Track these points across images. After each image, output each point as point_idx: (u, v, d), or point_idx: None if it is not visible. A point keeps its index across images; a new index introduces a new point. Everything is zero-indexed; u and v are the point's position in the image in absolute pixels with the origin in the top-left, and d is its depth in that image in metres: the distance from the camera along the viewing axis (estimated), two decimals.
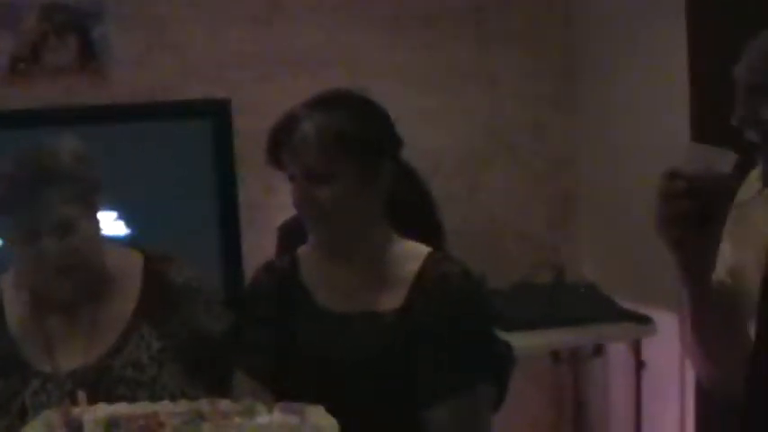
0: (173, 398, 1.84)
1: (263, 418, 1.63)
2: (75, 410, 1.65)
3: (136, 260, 2.03)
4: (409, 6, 4.05)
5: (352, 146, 1.78)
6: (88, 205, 1.92)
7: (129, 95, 3.77)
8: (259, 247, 3.60)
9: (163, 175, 3.60)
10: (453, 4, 4.09)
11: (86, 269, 1.92)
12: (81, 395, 1.69)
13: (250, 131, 3.65)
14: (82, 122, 3.46)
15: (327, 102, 1.83)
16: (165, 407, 1.69)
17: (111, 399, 1.80)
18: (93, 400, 1.77)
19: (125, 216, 3.28)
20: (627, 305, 3.68)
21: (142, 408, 1.69)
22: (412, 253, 1.88)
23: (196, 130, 3.75)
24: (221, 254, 3.77)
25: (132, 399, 1.84)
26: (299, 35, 3.98)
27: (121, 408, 1.67)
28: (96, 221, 1.95)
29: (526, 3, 4.13)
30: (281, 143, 1.81)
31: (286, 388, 1.77)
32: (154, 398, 1.85)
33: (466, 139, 4.11)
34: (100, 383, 1.90)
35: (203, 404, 1.67)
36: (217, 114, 3.75)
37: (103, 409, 1.67)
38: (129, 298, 1.99)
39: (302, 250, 1.94)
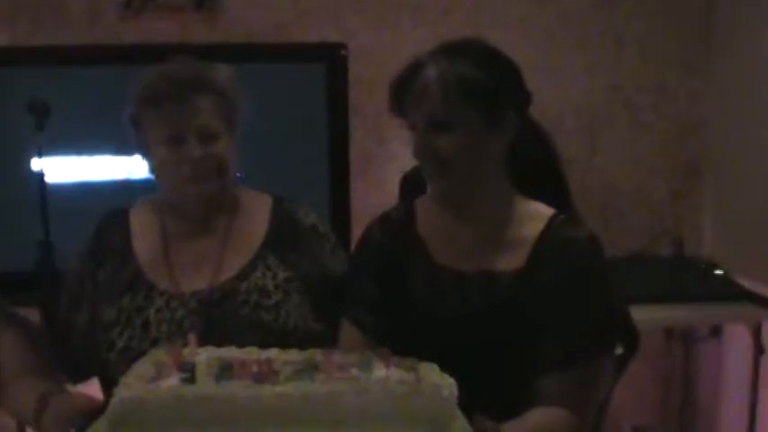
0: (295, 327, 1.95)
1: (379, 373, 1.60)
2: (186, 351, 1.65)
3: (266, 199, 2.11)
4: None
5: (475, 94, 1.74)
6: (231, 125, 2.00)
7: (243, 36, 3.75)
8: (368, 198, 3.75)
9: (275, 119, 3.56)
10: None
11: (221, 182, 1.99)
12: (192, 337, 1.69)
13: (364, 79, 3.69)
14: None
15: (454, 49, 1.79)
16: (278, 354, 1.67)
17: (232, 319, 1.93)
18: (216, 320, 1.92)
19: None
20: (749, 285, 3.49)
21: (254, 353, 1.68)
22: (535, 213, 1.84)
23: (310, 73, 3.69)
24: (330, 202, 3.72)
25: (255, 320, 1.93)
26: None
27: (232, 351, 1.68)
28: (234, 144, 2.01)
29: None
30: (404, 90, 1.79)
31: (393, 342, 1.74)
32: (278, 321, 1.94)
33: (587, 98, 3.95)
34: (223, 303, 1.96)
35: (317, 354, 1.65)
36: (332, 59, 3.68)
37: (214, 352, 1.67)
38: (258, 230, 2.05)
39: (420, 201, 1.92)
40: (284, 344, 1.76)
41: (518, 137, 1.82)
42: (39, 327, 2.18)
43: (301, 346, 1.77)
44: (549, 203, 1.88)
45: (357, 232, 3.52)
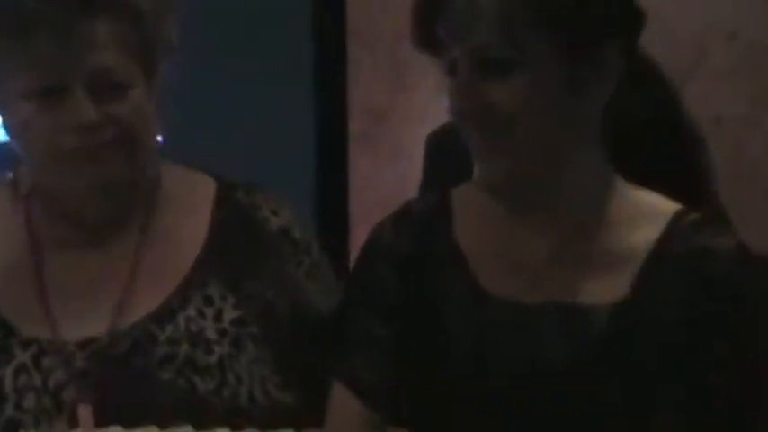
0: (251, 402, 1.59)
1: None
2: None
3: (207, 184, 1.72)
4: None
5: (549, 17, 1.41)
6: (149, 65, 1.62)
7: None
8: (375, 179, 3.33)
9: (251, 54, 3.10)
10: None
11: (130, 162, 1.61)
12: (84, 409, 1.47)
13: None
14: None
15: None
16: None
17: (150, 386, 1.57)
18: (119, 389, 1.57)
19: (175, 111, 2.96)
20: None
21: None
22: (648, 210, 1.50)
23: None
24: (318, 185, 3.29)
25: (187, 391, 1.55)
26: None
27: None
28: (153, 98, 1.63)
29: None
30: (436, 7, 1.45)
31: (413, 419, 1.48)
32: (221, 395, 1.57)
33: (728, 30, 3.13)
34: (133, 360, 1.58)
35: None
36: None
37: None
38: (193, 239, 1.66)
39: (460, 191, 1.58)
40: (233, 424, 1.49)
41: (620, 88, 1.48)
42: None
43: (263, 425, 1.51)
44: (673, 193, 1.54)
45: (358, 234, 3.23)
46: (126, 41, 1.60)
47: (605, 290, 1.49)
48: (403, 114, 3.32)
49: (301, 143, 3.27)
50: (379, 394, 1.57)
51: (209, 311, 1.64)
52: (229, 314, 1.65)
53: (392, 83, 3.31)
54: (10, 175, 1.73)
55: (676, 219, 1.50)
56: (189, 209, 1.72)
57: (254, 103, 3.21)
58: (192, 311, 1.64)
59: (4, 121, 1.66)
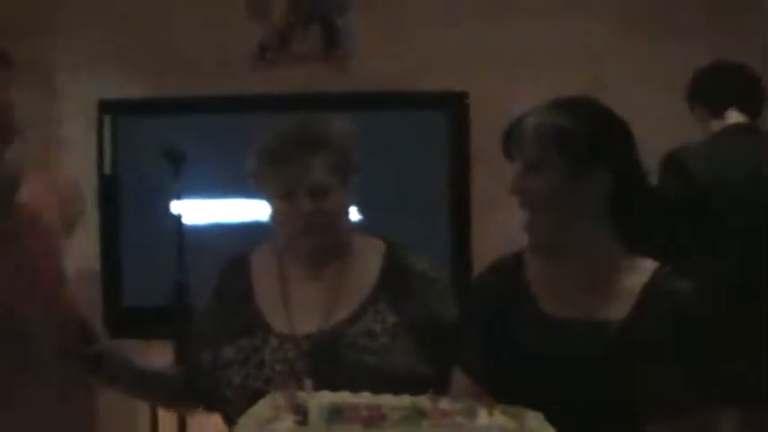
0: (401, 371, 2.00)
1: (483, 420, 1.63)
2: (301, 394, 1.71)
3: (380, 245, 2.18)
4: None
5: (562, 140, 1.85)
6: (344, 180, 2.08)
7: (369, 84, 3.89)
8: (489, 241, 3.73)
9: (397, 165, 3.66)
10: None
11: (331, 234, 2.09)
12: (307, 382, 1.76)
13: (486, 125, 3.69)
14: (323, 108, 3.46)
15: (558, 103, 1.92)
16: (387, 399, 1.72)
17: (341, 362, 2.01)
18: (324, 363, 2.01)
19: (359, 202, 3.41)
20: None
21: (365, 398, 1.72)
22: (640, 265, 1.90)
23: (433, 121, 3.81)
24: (452, 246, 3.81)
25: (362, 363, 2.02)
26: (539, 28, 3.95)
27: (345, 396, 1.73)
28: (347, 197, 2.11)
29: None
30: (509, 136, 1.92)
31: (500, 388, 1.77)
32: (383, 366, 2.02)
33: None
34: (333, 346, 2.05)
35: (425, 401, 1.69)
36: (454, 107, 3.80)
37: (327, 396, 1.72)
38: (370, 276, 2.13)
39: (528, 250, 1.97)
40: (391, 387, 1.81)
41: (621, 194, 1.89)
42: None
43: (408, 389, 1.80)
44: (654, 256, 1.92)
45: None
46: (331, 165, 2.05)
47: (614, 311, 1.85)
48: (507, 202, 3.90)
49: (442, 217, 3.84)
50: (479, 372, 1.93)
51: (378, 318, 2.09)
52: (390, 320, 2.09)
53: (499, 181, 3.82)
54: (272, 241, 2.19)
55: (658, 270, 1.88)
56: (368, 258, 2.16)
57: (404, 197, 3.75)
58: (368, 318, 2.09)
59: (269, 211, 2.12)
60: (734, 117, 3.16)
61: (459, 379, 1.98)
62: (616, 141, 1.90)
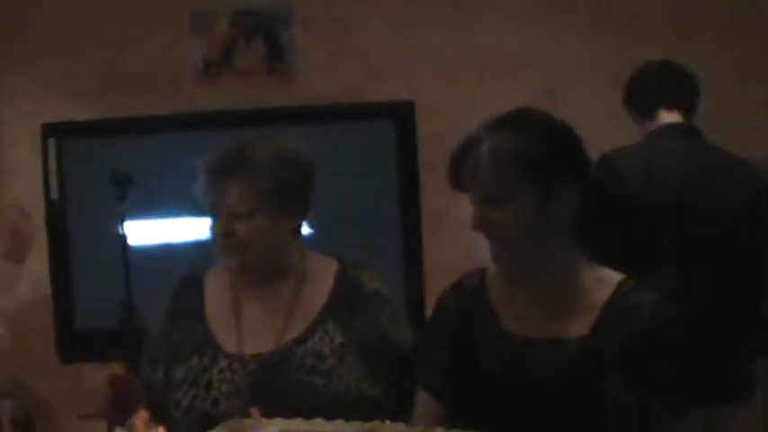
0: (347, 391, 2.02)
1: None
2: (248, 421, 1.73)
3: (331, 264, 2.16)
4: (604, 6, 3.95)
5: (527, 168, 1.76)
6: (272, 203, 2.04)
7: (315, 98, 3.87)
8: (442, 254, 3.76)
9: (346, 178, 3.64)
10: (650, 1, 3.95)
11: (243, 259, 2.07)
12: (254, 411, 1.78)
13: (434, 135, 3.72)
14: (268, 124, 3.63)
15: (506, 123, 1.80)
16: (339, 427, 1.71)
17: (288, 383, 2.01)
18: (271, 382, 2.01)
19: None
20: None
21: (318, 425, 1.72)
22: (603, 279, 1.85)
23: (380, 132, 3.81)
24: (403, 259, 3.80)
25: (309, 384, 2.02)
26: (484, 36, 3.96)
27: (298, 423, 1.73)
28: (276, 220, 2.06)
29: None
30: (459, 166, 1.80)
31: (463, 408, 1.81)
32: (329, 386, 2.02)
33: None
34: (281, 367, 2.05)
35: (376, 426, 1.68)
36: (401, 117, 3.79)
37: (278, 424, 1.72)
38: (320, 296, 2.12)
39: (492, 270, 1.92)
40: (339, 409, 1.83)
41: (584, 201, 1.83)
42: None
43: (357, 412, 1.83)
44: (618, 267, 1.88)
45: (431, 288, 3.63)
46: (251, 189, 2.02)
47: (575, 329, 1.81)
48: (458, 213, 3.88)
49: (392, 230, 3.82)
50: (443, 391, 1.92)
51: (326, 338, 2.09)
52: (338, 340, 2.09)
53: (450, 192, 3.92)
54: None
55: (620, 284, 1.83)
56: (320, 278, 2.15)
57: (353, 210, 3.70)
58: (316, 338, 2.09)
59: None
60: (666, 116, 3.09)
61: (424, 398, 1.96)
62: (574, 149, 1.83)
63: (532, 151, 1.75)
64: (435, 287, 3.23)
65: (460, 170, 1.80)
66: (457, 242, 3.71)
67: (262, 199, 2.04)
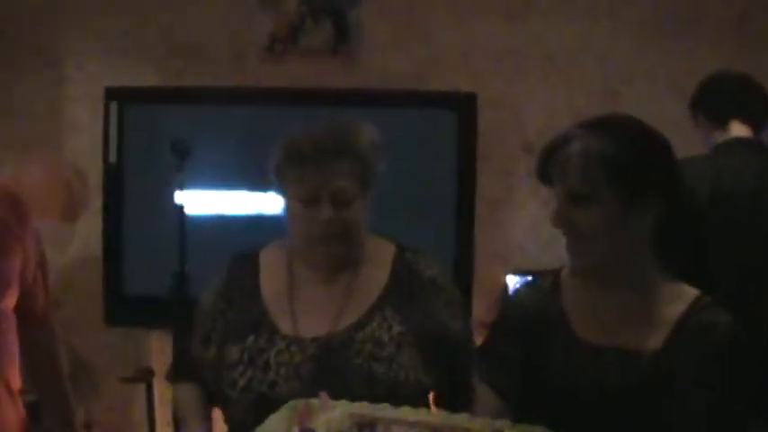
0: (406, 380, 2.01)
1: None
2: (316, 402, 1.74)
3: (389, 249, 2.16)
4: (668, 8, 3.89)
5: (613, 171, 1.77)
6: (366, 189, 2.07)
7: (378, 81, 3.85)
8: (493, 244, 3.83)
9: (404, 164, 3.47)
10: (715, 8, 3.89)
11: (348, 243, 2.07)
12: (323, 395, 1.79)
13: (494, 127, 3.77)
14: (330, 104, 3.59)
15: (601, 124, 1.83)
16: (404, 412, 1.72)
17: (348, 368, 2.01)
18: (330, 368, 2.00)
19: None
20: None
21: (383, 411, 1.73)
22: (679, 294, 1.86)
23: (441, 121, 3.75)
24: (455, 247, 3.76)
25: (369, 371, 2.01)
26: (550, 32, 3.92)
27: (365, 408, 1.74)
28: (367, 204, 2.09)
29: None
30: (550, 160, 1.84)
31: (527, 409, 1.80)
32: (389, 373, 2.01)
33: None
34: (340, 352, 2.03)
35: (441, 416, 1.70)
36: (462, 108, 3.72)
37: (344, 406, 1.73)
38: (379, 281, 2.12)
39: (567, 273, 1.95)
40: (394, 396, 1.84)
41: (669, 219, 1.85)
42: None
43: (411, 398, 1.84)
44: (692, 284, 1.90)
45: (480, 277, 3.69)
46: (355, 173, 2.05)
47: (649, 341, 1.81)
48: (511, 204, 3.90)
49: (447, 218, 3.75)
50: (508, 390, 1.92)
51: (385, 325, 2.08)
52: (396, 328, 2.08)
53: (505, 184, 3.89)
54: (282, 240, 2.18)
55: (696, 301, 1.84)
56: (378, 263, 2.15)
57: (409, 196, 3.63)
58: (374, 324, 2.08)
59: (284, 210, 2.11)
60: (736, 129, 3.03)
61: (487, 396, 1.95)
62: (664, 162, 1.84)
63: (620, 156, 1.76)
64: (484, 275, 3.38)
65: (550, 164, 1.83)
66: (508, 233, 3.88)
67: (366, 185, 2.06)
